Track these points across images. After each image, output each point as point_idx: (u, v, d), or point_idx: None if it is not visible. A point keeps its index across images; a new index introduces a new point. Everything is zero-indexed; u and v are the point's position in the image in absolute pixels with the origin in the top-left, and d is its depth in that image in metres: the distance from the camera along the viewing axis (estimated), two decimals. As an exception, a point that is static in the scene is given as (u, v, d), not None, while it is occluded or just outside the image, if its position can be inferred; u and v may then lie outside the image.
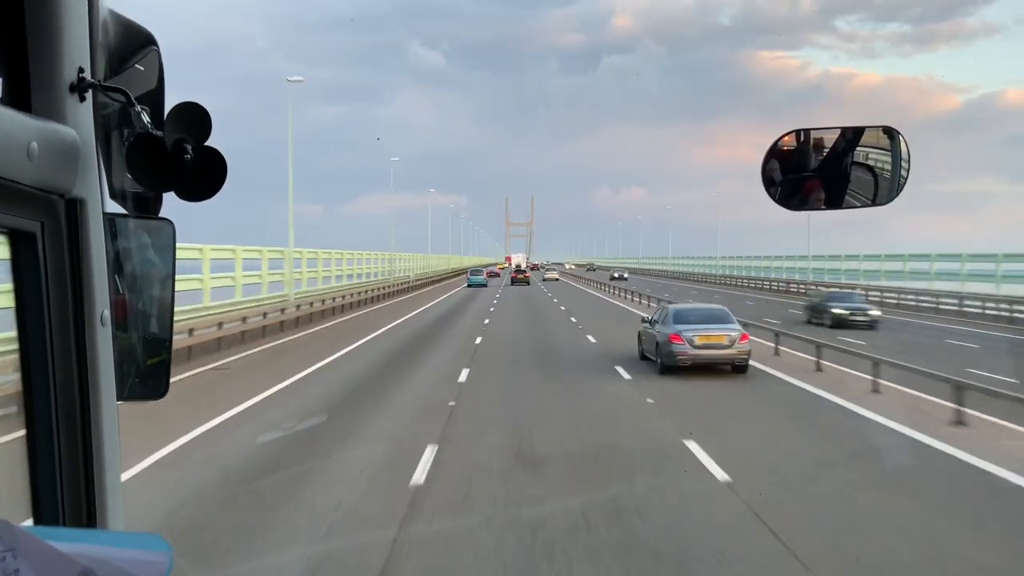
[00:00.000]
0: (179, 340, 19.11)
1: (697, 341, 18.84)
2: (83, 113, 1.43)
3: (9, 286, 1.35)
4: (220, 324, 23.91)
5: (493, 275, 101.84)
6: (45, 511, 1.37)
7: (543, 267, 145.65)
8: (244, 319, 25.58)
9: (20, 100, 1.35)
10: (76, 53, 1.41)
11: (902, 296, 45.83)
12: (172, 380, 1.67)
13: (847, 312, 32.77)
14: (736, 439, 12.30)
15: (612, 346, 24.61)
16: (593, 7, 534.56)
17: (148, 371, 1.65)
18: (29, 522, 1.35)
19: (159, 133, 1.49)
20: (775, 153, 2.76)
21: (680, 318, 19.61)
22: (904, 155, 2.80)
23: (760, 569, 7.21)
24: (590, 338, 27.41)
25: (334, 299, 38.46)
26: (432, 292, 64.09)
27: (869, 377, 16.57)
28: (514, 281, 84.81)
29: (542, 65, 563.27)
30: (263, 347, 24.64)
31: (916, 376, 15.55)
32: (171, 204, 1.64)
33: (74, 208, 1.40)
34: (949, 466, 10.57)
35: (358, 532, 8.09)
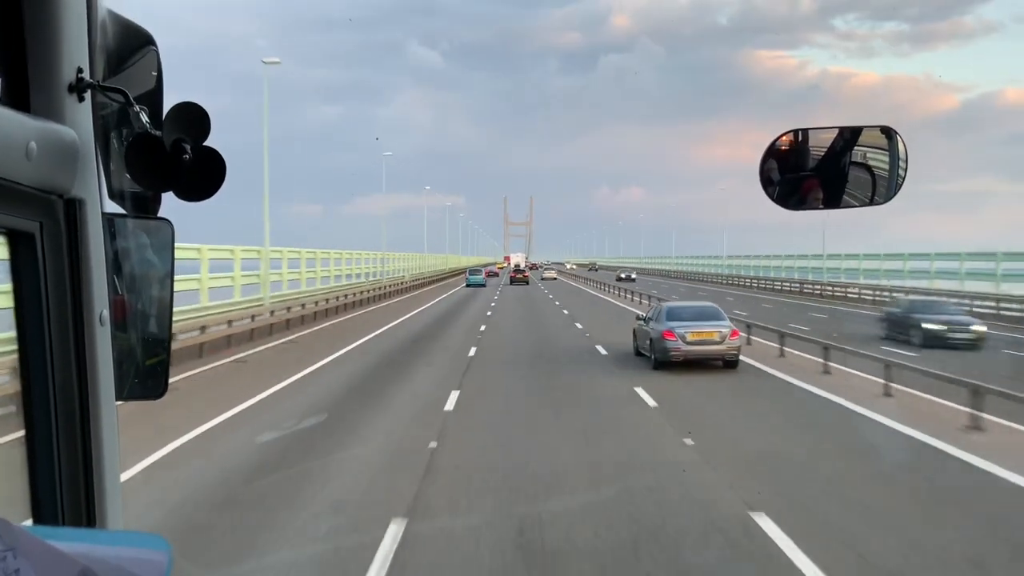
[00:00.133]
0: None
1: (689, 337, 19.83)
2: (82, 113, 1.46)
3: (8, 286, 1.38)
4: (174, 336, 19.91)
5: (492, 275, 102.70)
6: (44, 511, 1.40)
7: (542, 267, 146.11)
8: (203, 328, 23.15)
9: (19, 100, 1.38)
10: (75, 53, 1.44)
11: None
12: None
13: (943, 328, 25.91)
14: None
15: (626, 357, 22.81)
16: (592, 7, 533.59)
17: (147, 371, 1.68)
18: (29, 522, 1.38)
19: (158, 133, 1.51)
20: (773, 153, 2.75)
21: (673, 315, 20.72)
22: (902, 155, 2.79)
23: None
24: (600, 349, 24.98)
25: (316, 303, 34.85)
26: (427, 294, 62.25)
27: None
28: (513, 281, 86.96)
29: (541, 65, 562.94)
30: (222, 361, 22.10)
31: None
32: (169, 204, 1.66)
33: (73, 208, 1.42)
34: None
35: None
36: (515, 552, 7.56)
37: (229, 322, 25.30)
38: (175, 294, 1.72)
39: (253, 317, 27.70)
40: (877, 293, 49.21)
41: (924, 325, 26.11)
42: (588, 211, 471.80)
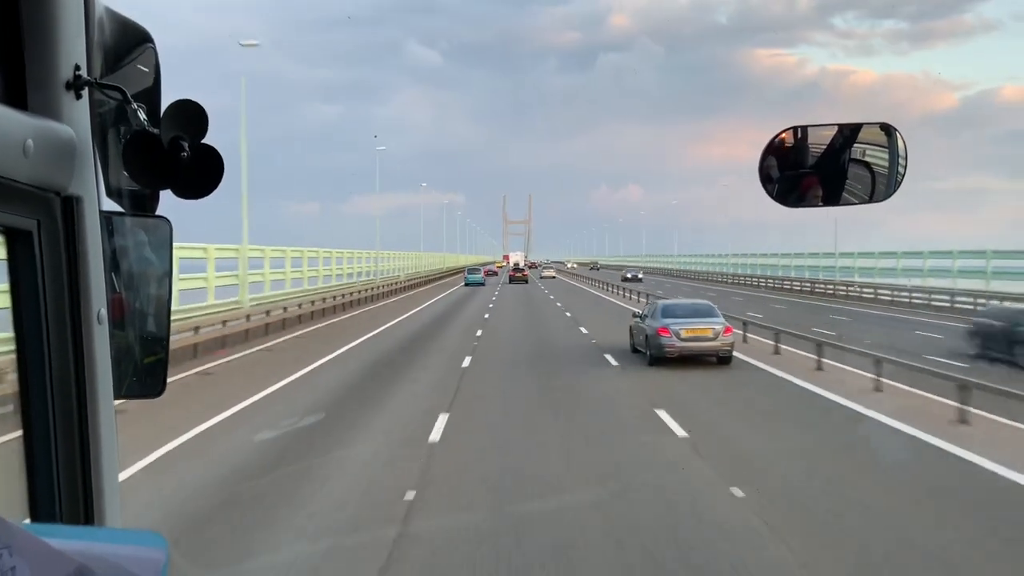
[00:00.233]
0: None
1: (684, 334, 20.43)
2: (79, 111, 1.48)
3: (6, 284, 1.40)
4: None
5: (491, 274, 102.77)
6: (42, 509, 1.42)
7: (541, 265, 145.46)
8: (169, 337, 18.79)
9: (16, 98, 1.38)
10: (72, 51, 1.45)
11: (932, 296, 43.40)
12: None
13: None
14: None
15: (640, 369, 20.71)
16: (591, 6, 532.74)
17: (145, 369, 1.70)
18: (27, 520, 1.41)
19: (156, 131, 1.52)
20: (772, 150, 2.73)
21: (668, 312, 21.38)
22: (901, 151, 2.79)
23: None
24: (610, 359, 22.67)
25: (300, 306, 32.16)
26: (423, 294, 60.68)
27: None
28: (512, 280, 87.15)
29: (540, 63, 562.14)
30: (185, 374, 19.69)
31: None
32: (167, 202, 1.70)
33: (70, 206, 1.44)
34: None
35: None
36: None
37: (196, 328, 22.56)
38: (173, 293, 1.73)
39: (224, 323, 24.90)
40: (895, 293, 46.35)
41: None
42: (587, 210, 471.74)
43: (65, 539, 0.99)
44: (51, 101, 1.41)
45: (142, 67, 1.71)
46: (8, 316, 1.38)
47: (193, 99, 1.53)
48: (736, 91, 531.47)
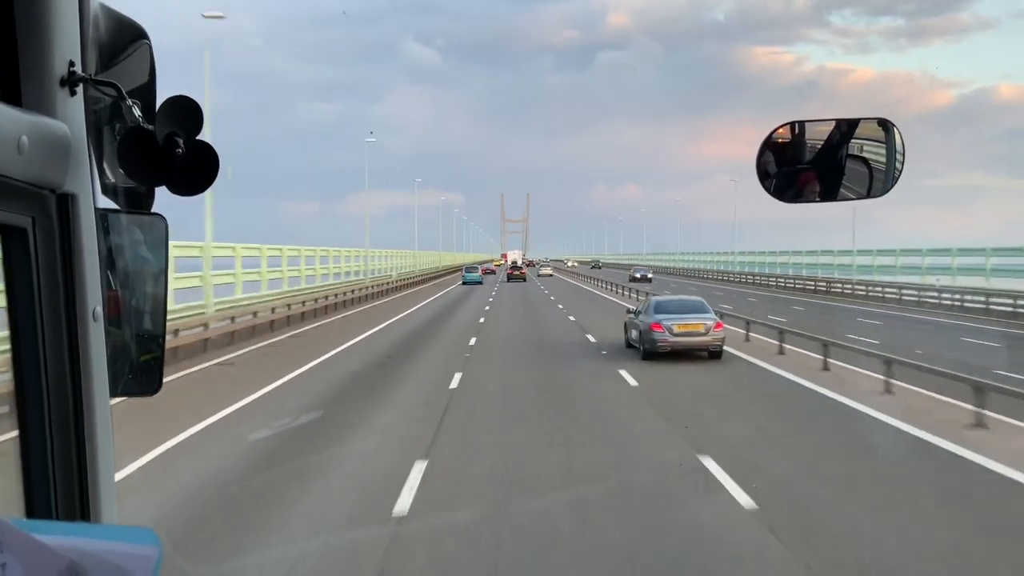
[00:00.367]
0: None
1: (676, 329, 21.13)
2: (74, 107, 1.48)
3: (0, 283, 1.41)
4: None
5: (489, 272, 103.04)
6: (38, 507, 1.43)
7: (539, 264, 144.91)
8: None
9: (10, 94, 1.39)
10: (66, 47, 1.46)
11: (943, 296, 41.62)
12: None
13: None
14: None
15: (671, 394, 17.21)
16: (589, 4, 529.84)
17: (141, 367, 1.70)
18: (21, 518, 1.41)
19: (150, 127, 1.53)
20: (770, 145, 2.68)
21: (661, 308, 22.34)
22: (899, 147, 2.71)
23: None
24: (628, 377, 19.00)
25: (273, 310, 28.87)
26: (415, 295, 57.92)
27: None
28: (510, 278, 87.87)
29: (538, 62, 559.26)
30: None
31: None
32: (164, 200, 1.70)
33: (65, 203, 1.45)
34: None
35: None
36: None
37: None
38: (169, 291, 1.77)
39: (177, 332, 21.21)
40: (922, 294, 42.77)
41: None
42: (585, 208, 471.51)
43: (57, 536, 0.98)
44: (45, 97, 1.42)
45: (137, 64, 1.71)
46: (3, 314, 1.40)
47: (187, 95, 1.56)
48: (734, 89, 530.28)
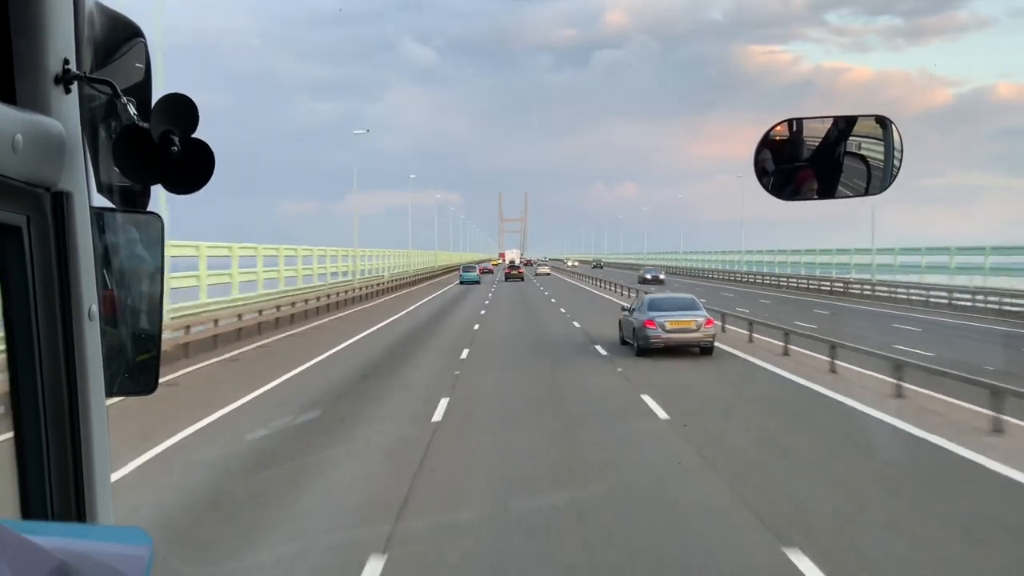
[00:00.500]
0: None
1: (668, 326, 21.84)
2: (69, 105, 1.47)
3: None
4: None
5: (486, 271, 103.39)
6: (34, 508, 1.42)
7: (537, 263, 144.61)
8: None
9: (5, 92, 1.38)
10: (61, 45, 1.45)
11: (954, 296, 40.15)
12: None
13: None
14: None
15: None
16: (586, 2, 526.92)
17: (137, 366, 1.68)
18: (17, 519, 1.42)
19: (146, 125, 1.52)
20: (767, 143, 2.63)
21: (654, 306, 22.91)
22: (897, 144, 2.65)
23: None
24: (650, 404, 15.39)
25: (240, 316, 26.51)
26: (408, 297, 55.61)
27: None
28: (508, 277, 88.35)
29: (536, 61, 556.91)
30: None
31: None
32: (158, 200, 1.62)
33: (60, 202, 1.44)
34: None
35: None
36: None
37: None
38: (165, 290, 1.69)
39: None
40: (953, 296, 39.31)
41: None
42: (583, 207, 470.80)
43: (48, 536, 0.97)
44: (40, 96, 1.41)
45: (132, 62, 1.70)
46: None
47: (183, 93, 1.56)
48: (731, 88, 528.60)
